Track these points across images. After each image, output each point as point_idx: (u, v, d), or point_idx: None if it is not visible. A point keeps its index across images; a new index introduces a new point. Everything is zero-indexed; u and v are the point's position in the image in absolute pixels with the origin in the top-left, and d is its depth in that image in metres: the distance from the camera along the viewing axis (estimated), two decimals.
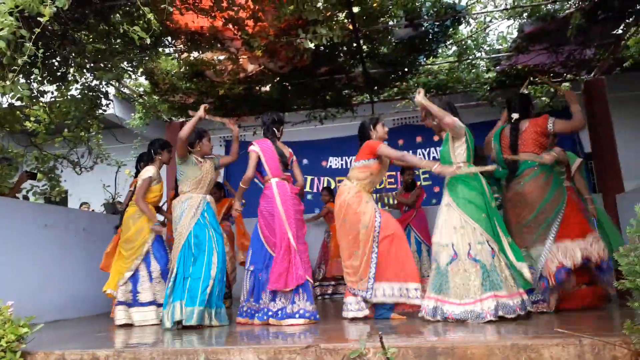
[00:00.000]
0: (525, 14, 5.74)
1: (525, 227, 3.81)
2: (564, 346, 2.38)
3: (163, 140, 4.85)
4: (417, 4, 5.43)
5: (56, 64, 5.34)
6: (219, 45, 5.51)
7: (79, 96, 5.78)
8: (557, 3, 5.49)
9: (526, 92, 4.34)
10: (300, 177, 4.33)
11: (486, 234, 3.45)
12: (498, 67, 6.90)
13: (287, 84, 6.90)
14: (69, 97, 5.77)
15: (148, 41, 4.12)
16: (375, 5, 5.23)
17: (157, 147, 4.67)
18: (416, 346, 2.51)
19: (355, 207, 3.89)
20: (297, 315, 3.83)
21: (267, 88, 6.96)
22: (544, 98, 7.51)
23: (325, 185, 8.70)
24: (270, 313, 3.90)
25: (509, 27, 6.80)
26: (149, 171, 4.53)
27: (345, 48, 6.04)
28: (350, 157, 8.79)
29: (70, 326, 4.54)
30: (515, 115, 4.01)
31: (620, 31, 5.92)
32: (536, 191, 3.79)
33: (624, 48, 6.29)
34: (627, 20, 5.64)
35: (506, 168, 3.98)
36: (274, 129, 4.31)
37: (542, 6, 5.56)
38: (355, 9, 5.05)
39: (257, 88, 6.90)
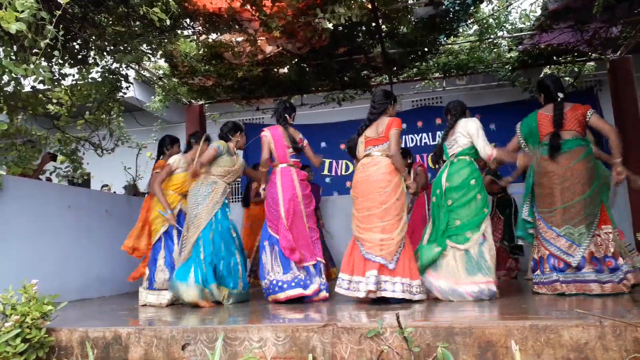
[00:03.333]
0: None
1: (572, 206, 3.68)
2: (585, 327, 2.35)
3: (204, 134, 4.93)
4: None
5: (77, 47, 5.39)
6: (237, 26, 5.48)
7: (100, 79, 5.83)
8: None
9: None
10: (315, 160, 4.51)
11: None
12: (520, 47, 6.74)
13: (306, 65, 6.86)
14: (89, 80, 5.82)
15: (167, 23, 4.12)
16: None
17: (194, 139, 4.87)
18: (433, 326, 2.51)
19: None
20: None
21: (286, 70, 6.93)
22: (567, 78, 7.33)
23: (343, 167, 8.67)
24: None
25: (532, 4, 6.60)
26: (172, 159, 4.70)
27: (364, 28, 5.96)
28: None
29: (92, 305, 4.65)
30: (561, 95, 3.88)
31: None
32: (588, 172, 3.67)
33: None
34: None
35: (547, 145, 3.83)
36: (286, 115, 4.43)
37: None
38: None
39: (276, 70, 6.87)
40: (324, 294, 4.09)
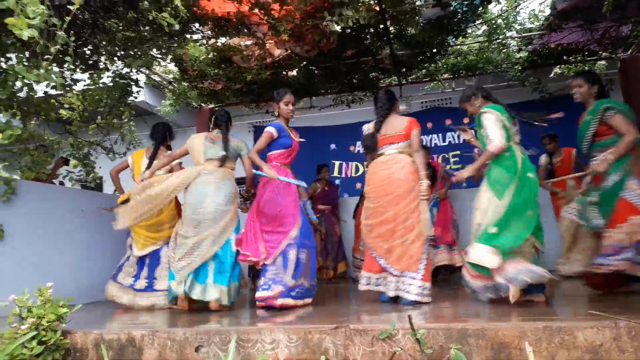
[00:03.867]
0: None
1: None
2: (599, 329, 2.34)
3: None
4: None
5: (87, 52, 5.44)
6: (245, 30, 5.51)
7: (111, 84, 5.89)
8: None
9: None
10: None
11: None
12: (530, 47, 6.72)
13: (314, 68, 6.88)
14: (100, 85, 5.88)
15: (176, 27, 4.15)
16: None
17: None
18: (446, 327, 2.50)
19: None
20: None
21: (294, 73, 6.95)
22: None
23: (353, 169, 8.68)
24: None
25: (541, 4, 6.58)
26: None
27: (372, 30, 5.97)
28: None
29: (105, 307, 4.68)
30: None
31: None
32: None
33: None
34: None
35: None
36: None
37: None
38: None
39: (284, 73, 6.90)
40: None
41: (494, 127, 3.55)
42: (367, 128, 4.15)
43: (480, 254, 3.36)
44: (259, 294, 3.70)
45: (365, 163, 8.66)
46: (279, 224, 3.89)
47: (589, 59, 7.12)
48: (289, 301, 3.70)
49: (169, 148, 5.06)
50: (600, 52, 6.95)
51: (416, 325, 2.47)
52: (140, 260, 4.58)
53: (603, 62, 7.29)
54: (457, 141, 8.31)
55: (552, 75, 7.52)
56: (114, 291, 4.54)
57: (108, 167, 6.98)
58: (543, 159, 6.08)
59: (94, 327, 3.06)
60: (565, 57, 7.04)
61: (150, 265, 4.54)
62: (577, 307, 3.22)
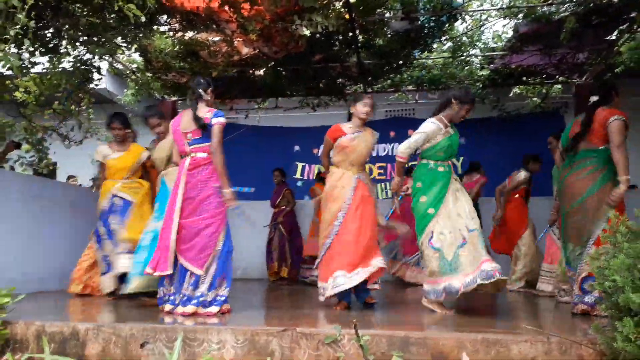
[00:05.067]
0: (520, 15, 5.78)
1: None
2: (533, 343, 2.46)
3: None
4: None
5: (48, 35, 5.28)
6: (214, 26, 5.47)
7: (71, 69, 5.73)
8: (553, 6, 5.53)
9: None
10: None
11: None
12: (492, 65, 6.95)
13: (282, 69, 6.89)
14: (60, 69, 5.71)
15: (143, 19, 4.08)
16: None
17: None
18: (390, 335, 2.58)
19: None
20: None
21: (261, 72, 6.95)
22: (535, 99, 7.58)
23: (315, 172, 8.72)
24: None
25: (504, 26, 6.85)
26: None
27: (340, 37, 6.04)
28: None
29: (51, 298, 4.56)
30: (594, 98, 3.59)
31: (613, 37, 5.98)
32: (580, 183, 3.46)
33: (616, 54, 6.36)
34: (621, 27, 5.70)
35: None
36: (200, 91, 3.70)
37: (538, 8, 5.60)
38: None
39: (251, 72, 6.88)
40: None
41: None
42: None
43: None
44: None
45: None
46: None
47: (546, 81, 7.42)
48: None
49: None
50: (557, 76, 7.25)
51: (361, 332, 2.53)
52: None
53: (559, 85, 7.59)
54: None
55: (511, 94, 7.79)
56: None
57: (63, 154, 6.82)
58: (522, 175, 5.66)
59: (37, 318, 2.98)
60: (524, 78, 7.31)
61: None
62: (515, 321, 3.36)
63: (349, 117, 4.05)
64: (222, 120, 3.55)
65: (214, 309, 3.44)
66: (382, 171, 8.91)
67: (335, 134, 3.95)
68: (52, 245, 5.34)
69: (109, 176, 4.67)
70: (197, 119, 3.52)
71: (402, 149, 3.72)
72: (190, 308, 3.38)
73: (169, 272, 3.47)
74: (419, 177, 3.71)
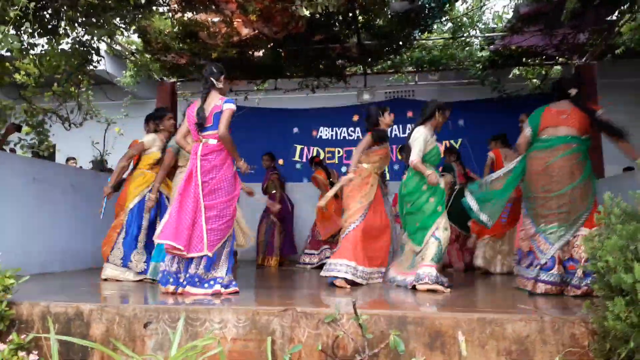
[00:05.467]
0: None
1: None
2: (527, 322, 2.52)
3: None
4: None
5: (47, 16, 5.25)
6: (213, 7, 5.45)
7: (70, 50, 5.71)
8: None
9: None
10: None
11: None
12: (492, 47, 6.92)
13: (281, 50, 6.86)
14: (59, 51, 5.69)
15: (142, 1, 4.07)
16: None
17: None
18: (388, 314, 2.64)
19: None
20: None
21: (261, 53, 6.91)
22: (535, 80, 7.56)
23: (314, 154, 8.74)
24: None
25: (505, 6, 6.78)
26: (147, 137, 4.79)
27: (341, 17, 6.01)
28: (341, 128, 8.82)
29: (55, 279, 4.63)
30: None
31: (614, 17, 5.94)
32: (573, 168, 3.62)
33: (617, 35, 6.32)
34: (622, 7, 5.66)
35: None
36: (212, 79, 3.71)
37: None
38: None
39: (251, 52, 6.84)
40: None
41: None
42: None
43: None
44: None
45: (326, 149, 8.72)
46: None
47: (546, 62, 7.39)
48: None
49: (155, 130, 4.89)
50: (557, 57, 7.22)
51: (360, 311, 2.59)
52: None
53: (559, 67, 7.57)
54: None
55: (510, 76, 7.77)
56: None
57: (63, 135, 6.84)
58: (489, 157, 5.98)
59: (42, 299, 3.04)
60: (524, 60, 7.29)
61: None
62: (509, 300, 3.42)
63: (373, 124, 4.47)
64: (232, 106, 3.62)
65: (232, 289, 3.56)
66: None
67: (376, 139, 4.38)
68: (53, 227, 5.40)
69: (147, 167, 4.68)
70: (198, 113, 3.60)
71: (416, 158, 3.99)
72: (216, 287, 3.48)
73: (206, 253, 3.52)
74: (425, 180, 4.02)
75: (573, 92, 3.75)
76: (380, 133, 4.39)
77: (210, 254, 3.52)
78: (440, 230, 3.95)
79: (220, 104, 3.59)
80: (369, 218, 4.24)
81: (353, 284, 4.00)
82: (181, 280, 3.55)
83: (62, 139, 7.26)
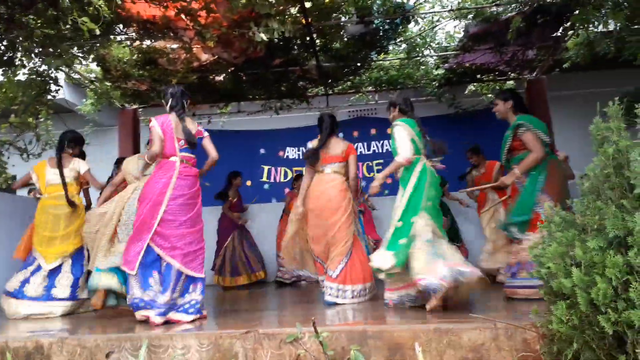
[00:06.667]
0: (470, 16, 5.98)
1: None
2: (481, 330, 2.62)
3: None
4: (368, 2, 5.58)
5: (2, 48, 5.21)
6: (171, 34, 5.50)
7: (27, 81, 5.66)
8: (500, 6, 5.75)
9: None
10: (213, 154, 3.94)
11: None
12: (446, 65, 7.15)
13: (242, 74, 6.94)
14: (16, 82, 5.64)
15: (97, 32, 4.10)
16: (327, 1, 5.34)
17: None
18: (348, 330, 2.70)
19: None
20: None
21: (222, 77, 6.98)
22: (490, 95, 7.84)
23: (282, 174, 8.83)
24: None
25: (455, 27, 7.05)
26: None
27: (299, 41, 6.13)
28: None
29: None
30: None
31: (559, 34, 6.25)
32: None
33: (563, 50, 6.63)
34: (565, 25, 5.96)
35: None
36: (183, 102, 3.98)
37: (486, 9, 5.81)
38: (308, 4, 5.14)
39: (212, 77, 6.91)
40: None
41: (403, 140, 3.85)
42: (311, 144, 4.68)
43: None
44: None
45: (294, 169, 8.80)
46: None
47: (499, 78, 7.69)
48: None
49: (82, 155, 5.11)
50: (509, 73, 7.52)
51: (322, 329, 2.65)
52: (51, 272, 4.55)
53: (512, 82, 7.87)
54: (380, 150, 8.68)
55: (466, 92, 8.03)
56: (22, 307, 4.38)
57: (21, 167, 6.69)
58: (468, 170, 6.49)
59: None
60: (478, 76, 7.56)
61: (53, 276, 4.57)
62: (459, 309, 3.52)
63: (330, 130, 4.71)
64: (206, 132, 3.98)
65: (203, 312, 3.64)
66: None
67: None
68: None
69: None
70: (190, 137, 3.79)
71: (408, 154, 3.88)
72: (190, 316, 3.51)
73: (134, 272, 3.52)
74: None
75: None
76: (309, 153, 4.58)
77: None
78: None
79: (201, 130, 3.91)
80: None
81: None
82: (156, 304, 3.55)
83: (22, 169, 7.10)
